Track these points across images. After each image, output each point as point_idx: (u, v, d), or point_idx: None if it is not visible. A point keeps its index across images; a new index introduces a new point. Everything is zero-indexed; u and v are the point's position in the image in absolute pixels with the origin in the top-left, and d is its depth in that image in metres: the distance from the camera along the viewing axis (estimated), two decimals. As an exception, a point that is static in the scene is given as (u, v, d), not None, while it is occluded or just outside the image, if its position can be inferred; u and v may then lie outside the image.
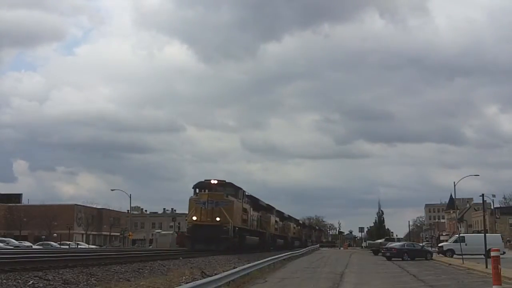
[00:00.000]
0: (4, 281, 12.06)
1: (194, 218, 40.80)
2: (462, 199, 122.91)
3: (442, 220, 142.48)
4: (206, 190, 42.80)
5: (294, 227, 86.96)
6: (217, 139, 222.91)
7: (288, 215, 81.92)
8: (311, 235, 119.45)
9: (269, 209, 62.63)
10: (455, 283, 21.04)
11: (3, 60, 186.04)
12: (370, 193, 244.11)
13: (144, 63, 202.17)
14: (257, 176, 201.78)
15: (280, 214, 72.59)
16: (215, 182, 43.27)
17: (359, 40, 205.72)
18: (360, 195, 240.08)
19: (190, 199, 42.65)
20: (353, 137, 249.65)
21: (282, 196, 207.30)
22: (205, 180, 44.12)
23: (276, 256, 31.99)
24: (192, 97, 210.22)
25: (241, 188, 46.94)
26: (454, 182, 42.81)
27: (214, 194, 41.83)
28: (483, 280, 21.68)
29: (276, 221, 66.91)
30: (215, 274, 16.35)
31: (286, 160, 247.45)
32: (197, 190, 43.42)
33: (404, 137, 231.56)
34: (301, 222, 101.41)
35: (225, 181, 44.92)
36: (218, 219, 40.41)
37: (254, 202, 54.12)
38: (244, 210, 47.37)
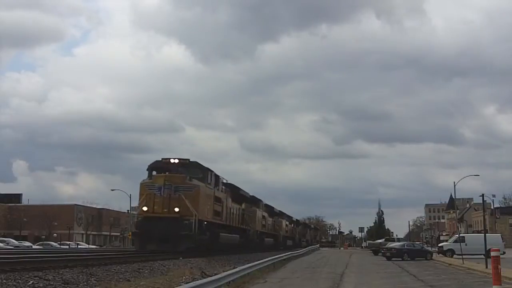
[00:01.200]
0: (4, 281, 12.06)
1: (145, 208, 31.46)
2: (462, 199, 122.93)
3: (442, 220, 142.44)
4: (166, 173, 32.84)
5: (286, 225, 79.00)
6: (216, 139, 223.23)
7: (280, 211, 73.71)
8: (305, 233, 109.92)
9: (254, 201, 54.07)
10: (455, 283, 21.04)
11: (2, 60, 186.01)
12: (370, 193, 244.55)
13: (142, 63, 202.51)
14: (256, 176, 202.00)
15: (269, 209, 64.23)
16: (175, 161, 33.55)
17: (356, 40, 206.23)
18: (360, 195, 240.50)
19: (141, 184, 32.73)
20: (352, 137, 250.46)
21: (282, 196, 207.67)
22: (163, 159, 34.36)
23: (276, 256, 32.00)
24: (190, 97, 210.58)
25: (211, 170, 36.07)
26: (454, 182, 42.90)
27: (173, 176, 31.96)
28: (483, 280, 21.68)
29: (264, 216, 58.02)
30: (215, 274, 16.35)
31: (285, 160, 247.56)
32: (153, 173, 33.48)
33: (402, 137, 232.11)
34: (294, 219, 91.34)
35: (188, 160, 34.68)
36: (177, 209, 30.83)
37: (234, 191, 44.67)
38: (217, 199, 37.00)
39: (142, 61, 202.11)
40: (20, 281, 12.34)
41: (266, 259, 27.36)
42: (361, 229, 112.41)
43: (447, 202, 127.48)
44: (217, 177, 37.44)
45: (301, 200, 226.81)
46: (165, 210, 30.80)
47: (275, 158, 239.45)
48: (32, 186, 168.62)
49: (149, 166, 33.76)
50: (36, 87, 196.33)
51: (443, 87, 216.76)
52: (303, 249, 62.95)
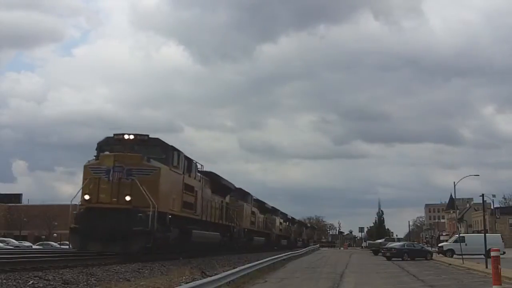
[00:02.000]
0: (4, 281, 12.06)
1: (87, 197, 24.37)
2: (462, 199, 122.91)
3: (442, 220, 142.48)
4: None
5: (280, 223, 73.77)
6: (215, 140, 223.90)
7: (273, 207, 67.96)
8: (301, 233, 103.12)
9: (241, 194, 48.56)
10: (455, 283, 21.04)
11: (1, 61, 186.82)
12: (369, 193, 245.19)
13: (141, 63, 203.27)
14: (256, 176, 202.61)
15: (260, 204, 58.13)
16: (130, 137, 26.35)
17: (354, 41, 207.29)
18: (359, 195, 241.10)
19: (85, 166, 25.53)
20: (351, 138, 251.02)
21: (281, 196, 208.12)
22: (115, 134, 26.92)
23: (276, 256, 31.99)
24: (189, 97, 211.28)
25: (179, 151, 28.56)
26: (454, 182, 42.65)
27: (126, 156, 24.95)
28: (483, 280, 21.69)
29: (253, 212, 52.46)
30: (215, 274, 16.34)
31: (285, 160, 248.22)
32: (105, 153, 26.03)
33: (402, 137, 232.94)
34: (289, 217, 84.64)
35: (147, 136, 26.98)
36: (128, 198, 24.05)
37: (215, 181, 37.16)
38: (188, 188, 29.88)
39: (141, 61, 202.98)
40: (20, 281, 12.34)
41: (266, 259, 27.35)
42: (361, 229, 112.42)
43: (447, 202, 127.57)
44: (189, 160, 30.78)
45: (301, 200, 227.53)
46: (114, 199, 24.27)
47: (275, 158, 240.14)
48: (32, 186, 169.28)
49: (97, 143, 26.93)
50: (36, 87, 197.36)
51: (442, 87, 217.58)
52: (303, 249, 62.88)
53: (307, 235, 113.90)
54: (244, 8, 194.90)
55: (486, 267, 26.44)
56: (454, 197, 60.84)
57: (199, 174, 33.22)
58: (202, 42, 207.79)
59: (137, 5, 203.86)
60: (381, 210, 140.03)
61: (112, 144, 26.55)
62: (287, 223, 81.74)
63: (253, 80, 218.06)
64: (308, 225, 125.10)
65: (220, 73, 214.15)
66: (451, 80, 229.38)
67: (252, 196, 53.78)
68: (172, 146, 27.98)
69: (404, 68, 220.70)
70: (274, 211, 69.09)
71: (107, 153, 25.85)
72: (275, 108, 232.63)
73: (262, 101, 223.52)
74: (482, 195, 35.77)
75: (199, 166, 33.07)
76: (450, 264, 35.44)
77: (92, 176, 24.63)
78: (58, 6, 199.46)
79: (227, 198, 42.32)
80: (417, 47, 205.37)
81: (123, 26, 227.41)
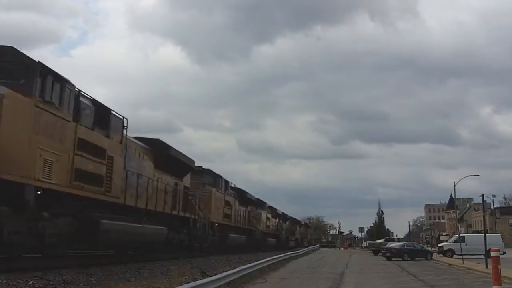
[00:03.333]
0: (4, 281, 12.05)
1: None
2: (462, 199, 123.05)
3: (442, 220, 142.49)
4: None
5: (268, 218, 62.58)
6: (214, 140, 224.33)
7: (258, 199, 57.63)
8: (294, 231, 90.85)
9: (213, 178, 38.46)
10: (455, 283, 21.04)
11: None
12: (368, 193, 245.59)
13: (139, 64, 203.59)
14: (254, 176, 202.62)
15: (240, 194, 47.67)
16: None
17: (351, 42, 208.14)
18: (358, 195, 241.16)
19: None
20: (349, 138, 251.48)
21: (280, 196, 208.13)
22: None
23: (276, 257, 31.99)
24: (187, 98, 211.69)
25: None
26: (454, 182, 42.82)
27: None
28: (483, 280, 21.69)
29: (228, 202, 41.24)
30: (215, 274, 16.34)
31: (283, 161, 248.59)
32: None
33: (400, 137, 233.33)
34: (280, 212, 73.98)
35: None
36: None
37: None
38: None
39: (139, 62, 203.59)
40: (20, 281, 12.34)
41: (266, 259, 27.36)
42: (361, 229, 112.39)
43: (447, 202, 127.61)
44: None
45: (300, 200, 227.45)
46: None
47: (273, 158, 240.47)
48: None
49: None
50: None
51: (439, 87, 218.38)
52: (303, 249, 62.85)
53: (301, 234, 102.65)
54: (241, 9, 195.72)
55: (486, 267, 26.45)
56: (454, 197, 60.93)
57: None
58: (199, 42, 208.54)
59: (134, 7, 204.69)
60: (381, 210, 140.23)
61: None
62: (277, 219, 71.33)
63: (250, 80, 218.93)
64: (302, 223, 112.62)
65: (218, 74, 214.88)
66: (447, 80, 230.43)
67: (228, 182, 42.35)
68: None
69: (401, 68, 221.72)
70: (260, 203, 58.95)
71: None
72: (273, 108, 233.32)
73: (260, 101, 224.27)
74: (482, 195, 35.83)
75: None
76: (450, 264, 35.46)
77: None
78: (56, 7, 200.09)
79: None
80: (413, 48, 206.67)
81: (121, 27, 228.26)
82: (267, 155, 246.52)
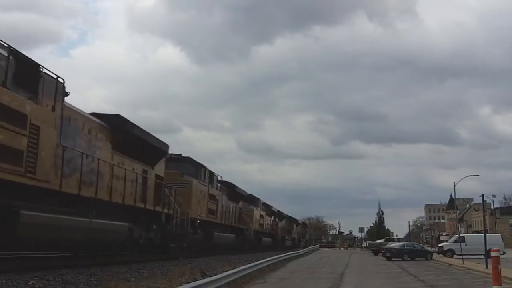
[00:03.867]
0: (4, 281, 12.06)
1: None
2: (462, 199, 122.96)
3: (442, 220, 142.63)
4: None
5: (261, 216, 58.02)
6: (213, 140, 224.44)
7: (250, 195, 52.83)
8: (291, 230, 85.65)
9: (195, 167, 32.82)
10: (455, 283, 21.04)
11: None
12: (368, 193, 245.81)
13: (138, 64, 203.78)
14: (254, 177, 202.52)
15: (229, 189, 43.27)
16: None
17: (350, 42, 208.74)
18: (358, 195, 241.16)
19: None
20: (348, 138, 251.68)
21: (280, 196, 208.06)
22: None
23: (276, 257, 31.99)
24: (186, 98, 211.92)
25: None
26: (454, 182, 42.91)
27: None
28: (483, 280, 21.70)
29: (213, 196, 35.78)
30: (215, 274, 16.35)
31: (283, 161, 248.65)
32: None
33: (399, 137, 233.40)
34: (275, 210, 69.34)
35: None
36: None
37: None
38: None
39: (138, 62, 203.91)
40: (20, 281, 12.34)
41: (266, 259, 27.37)
42: (361, 229, 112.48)
43: (447, 202, 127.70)
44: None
45: (299, 200, 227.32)
46: None
47: (273, 158, 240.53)
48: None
49: None
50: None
51: (438, 87, 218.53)
52: (303, 250, 62.86)
53: (298, 233, 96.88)
54: (239, 9, 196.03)
55: (486, 267, 26.46)
56: (454, 197, 60.99)
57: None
58: (198, 43, 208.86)
59: (133, 7, 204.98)
60: (381, 210, 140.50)
61: None
62: (272, 217, 66.91)
63: (249, 81, 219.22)
64: (300, 222, 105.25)
65: (217, 74, 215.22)
66: (446, 80, 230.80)
67: (210, 172, 35.74)
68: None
69: (399, 68, 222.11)
70: (252, 200, 54.01)
71: None
72: (272, 108, 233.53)
73: (259, 101, 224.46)
74: (482, 195, 35.82)
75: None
76: (450, 264, 35.46)
77: None
78: (55, 8, 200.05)
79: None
80: (412, 48, 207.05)
81: (120, 27, 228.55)
82: (267, 155, 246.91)
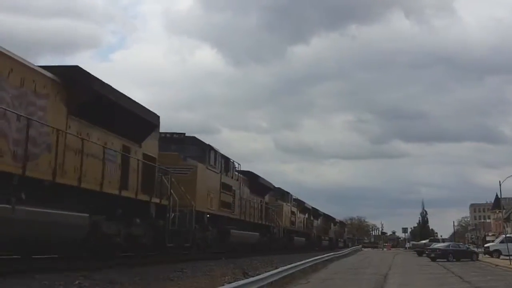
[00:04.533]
0: (45, 282, 12.26)
1: None
2: (509, 198, 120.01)
3: (488, 220, 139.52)
4: None
5: (293, 213, 52.87)
6: (251, 140, 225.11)
7: (279, 188, 48.43)
8: (328, 229, 79.50)
9: (201, 149, 27.11)
10: (502, 284, 20.59)
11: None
12: (410, 193, 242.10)
13: (176, 67, 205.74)
14: (292, 177, 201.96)
15: (251, 180, 36.20)
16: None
17: (386, 40, 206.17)
18: (400, 195, 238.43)
19: None
20: (388, 137, 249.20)
21: (319, 196, 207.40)
22: None
23: (319, 257, 31.83)
24: (224, 99, 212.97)
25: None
26: (499, 181, 41.81)
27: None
28: (532, 281, 21.15)
29: (227, 186, 30.23)
30: (257, 275, 16.35)
31: (321, 161, 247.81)
32: None
33: (440, 136, 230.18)
34: (309, 207, 63.15)
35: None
36: None
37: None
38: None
39: (176, 65, 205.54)
40: (66, 280, 12.56)
41: (308, 260, 27.24)
42: (404, 230, 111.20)
43: (492, 201, 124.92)
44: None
45: (339, 200, 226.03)
46: None
47: (311, 158, 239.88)
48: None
49: None
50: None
51: (477, 84, 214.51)
52: (346, 250, 62.37)
53: (336, 233, 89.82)
54: (275, 10, 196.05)
55: (535, 268, 25.80)
56: (499, 197, 59.59)
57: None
58: (234, 44, 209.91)
59: (170, 10, 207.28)
60: (425, 210, 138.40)
61: None
62: (306, 214, 61.27)
63: (286, 81, 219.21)
64: (337, 220, 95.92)
65: (253, 75, 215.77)
66: (485, 77, 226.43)
67: (224, 156, 30.09)
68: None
69: (437, 66, 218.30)
70: (281, 194, 48.95)
71: None
72: (309, 108, 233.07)
73: (296, 101, 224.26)
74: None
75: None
76: (496, 265, 34.72)
77: None
78: (95, 13, 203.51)
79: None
80: (450, 45, 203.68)
81: (158, 31, 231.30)
82: (305, 155, 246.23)
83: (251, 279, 14.25)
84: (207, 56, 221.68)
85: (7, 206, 11.74)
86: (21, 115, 12.61)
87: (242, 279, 14.63)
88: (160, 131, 22.23)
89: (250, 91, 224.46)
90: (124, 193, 17.85)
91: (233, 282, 13.73)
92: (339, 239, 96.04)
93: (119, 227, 17.90)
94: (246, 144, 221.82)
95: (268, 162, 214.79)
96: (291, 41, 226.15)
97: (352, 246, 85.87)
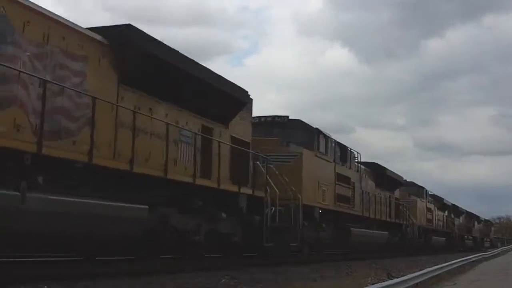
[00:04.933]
0: (187, 280, 12.75)
1: None
2: None
3: None
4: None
5: (429, 209, 47.39)
6: (387, 139, 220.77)
7: (412, 182, 45.29)
8: (471, 229, 73.21)
9: (306, 133, 23.10)
10: None
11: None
12: None
13: (309, 68, 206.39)
14: (433, 175, 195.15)
15: (376, 171, 32.48)
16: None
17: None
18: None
19: None
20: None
21: (464, 195, 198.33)
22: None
23: (465, 258, 30.46)
24: (358, 98, 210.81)
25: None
26: None
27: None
28: None
29: (343, 177, 25.90)
30: (402, 276, 15.98)
31: (463, 158, 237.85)
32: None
33: None
34: (448, 203, 58.12)
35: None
36: None
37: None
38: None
39: (308, 66, 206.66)
40: (213, 279, 13.03)
41: (455, 261, 26.19)
42: None
43: None
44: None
45: (486, 199, 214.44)
46: None
47: (451, 155, 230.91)
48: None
49: None
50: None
51: None
52: (495, 250, 59.13)
53: (480, 232, 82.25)
54: (406, 5, 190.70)
55: None
56: None
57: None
58: (366, 42, 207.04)
59: (300, 12, 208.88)
60: None
61: None
62: (446, 212, 56.61)
63: (421, 76, 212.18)
64: (482, 219, 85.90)
65: (386, 72, 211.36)
66: None
67: (337, 143, 25.80)
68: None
69: None
70: (414, 188, 45.04)
71: None
72: (446, 104, 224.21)
73: (432, 97, 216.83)
74: None
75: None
76: None
77: None
78: (227, 21, 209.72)
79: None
80: None
81: (289, 33, 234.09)
82: (445, 152, 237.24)
83: (395, 280, 13.94)
84: (339, 55, 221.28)
85: (16, 193, 8.94)
86: (46, 80, 9.77)
87: (386, 281, 14.37)
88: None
89: (384, 88, 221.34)
90: (201, 182, 14.59)
91: (377, 283, 13.52)
92: (485, 239, 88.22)
93: (199, 222, 14.96)
94: (383, 143, 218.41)
95: (407, 161, 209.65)
96: (425, 35, 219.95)
97: (502, 247, 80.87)
